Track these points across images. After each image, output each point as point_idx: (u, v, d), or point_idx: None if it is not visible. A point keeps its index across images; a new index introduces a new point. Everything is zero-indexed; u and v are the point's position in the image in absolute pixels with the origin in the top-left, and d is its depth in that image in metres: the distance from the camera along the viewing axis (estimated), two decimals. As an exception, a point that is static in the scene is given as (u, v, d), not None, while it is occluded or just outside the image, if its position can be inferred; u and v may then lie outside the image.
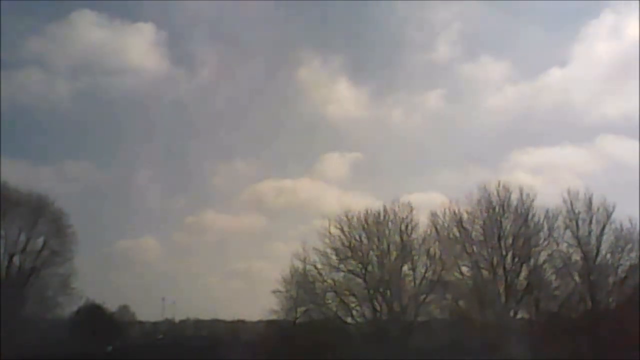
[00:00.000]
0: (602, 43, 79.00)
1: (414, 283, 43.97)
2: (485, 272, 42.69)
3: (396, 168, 76.56)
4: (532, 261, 42.39)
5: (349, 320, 44.89)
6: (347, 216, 44.62)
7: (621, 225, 41.47)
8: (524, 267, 42.35)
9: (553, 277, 42.85)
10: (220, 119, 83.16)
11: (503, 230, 42.57)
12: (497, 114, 74.98)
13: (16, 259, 46.75)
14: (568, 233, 42.25)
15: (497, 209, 42.81)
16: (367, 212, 45.11)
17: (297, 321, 45.94)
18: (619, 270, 41.72)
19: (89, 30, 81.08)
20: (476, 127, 75.39)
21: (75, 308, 51.72)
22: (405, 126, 75.63)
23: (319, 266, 44.67)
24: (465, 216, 43.45)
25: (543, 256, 42.67)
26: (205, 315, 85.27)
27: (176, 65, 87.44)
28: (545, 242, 42.52)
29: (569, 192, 42.50)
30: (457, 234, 43.41)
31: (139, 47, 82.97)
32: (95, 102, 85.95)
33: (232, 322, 78.96)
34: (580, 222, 42.00)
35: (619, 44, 77.56)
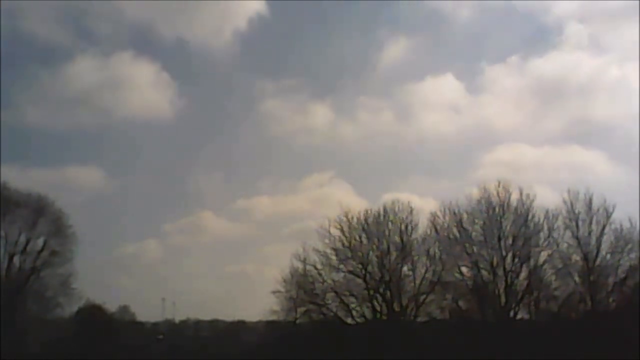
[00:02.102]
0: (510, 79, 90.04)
1: (414, 283, 43.97)
2: (485, 273, 42.69)
3: (366, 179, 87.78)
4: (532, 261, 42.39)
5: (349, 320, 44.86)
6: (347, 217, 44.65)
7: (621, 226, 41.54)
8: (524, 268, 42.36)
9: (553, 277, 42.86)
10: (210, 139, 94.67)
11: (503, 230, 42.56)
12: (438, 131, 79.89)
13: (16, 260, 46.83)
14: (568, 233, 42.31)
15: (497, 210, 42.82)
16: (367, 212, 45.22)
17: (297, 321, 45.91)
18: (619, 271, 41.70)
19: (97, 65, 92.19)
20: (419, 140, 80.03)
21: (75, 308, 51.76)
22: (365, 142, 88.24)
23: (319, 267, 44.70)
24: (465, 216, 43.49)
25: (543, 256, 42.72)
26: (205, 315, 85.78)
27: (176, 98, 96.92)
28: (545, 243, 42.58)
29: (569, 193, 42.59)
30: (457, 235, 43.41)
31: (143, 81, 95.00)
32: (105, 122, 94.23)
33: (232, 322, 79.10)
34: (580, 223, 42.03)
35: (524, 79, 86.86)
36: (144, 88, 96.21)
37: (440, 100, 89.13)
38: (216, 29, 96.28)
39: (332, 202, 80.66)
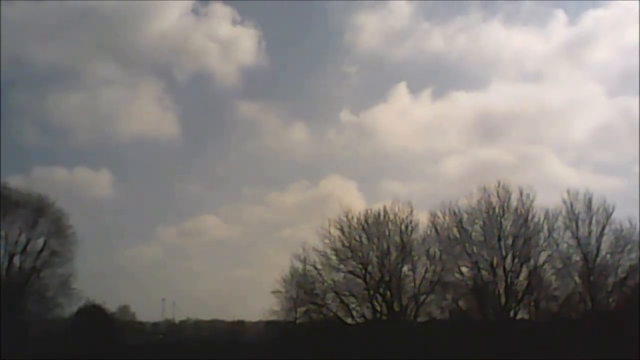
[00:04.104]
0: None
1: (414, 283, 43.96)
2: (485, 273, 42.72)
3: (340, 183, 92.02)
4: (532, 262, 42.44)
5: (349, 320, 44.87)
6: (347, 217, 44.65)
7: (621, 226, 41.62)
8: (524, 268, 42.40)
9: (553, 277, 42.93)
10: (209, 152, 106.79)
11: (503, 230, 42.60)
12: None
13: (16, 260, 46.86)
14: (568, 233, 42.36)
15: (497, 210, 42.86)
16: (367, 212, 45.23)
17: (297, 321, 45.92)
18: (619, 271, 41.76)
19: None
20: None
21: (75, 308, 51.73)
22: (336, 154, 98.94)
23: (319, 267, 44.71)
24: (465, 217, 43.57)
25: (543, 257, 42.78)
26: (205, 315, 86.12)
27: (180, 118, 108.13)
28: (545, 243, 42.62)
29: (568, 193, 42.64)
30: (457, 235, 43.43)
31: (146, 102, 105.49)
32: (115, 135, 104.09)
33: (232, 322, 79.23)
34: (580, 223, 42.07)
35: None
36: (149, 108, 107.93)
37: (396, 119, 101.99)
38: (219, 63, 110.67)
39: (317, 204, 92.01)
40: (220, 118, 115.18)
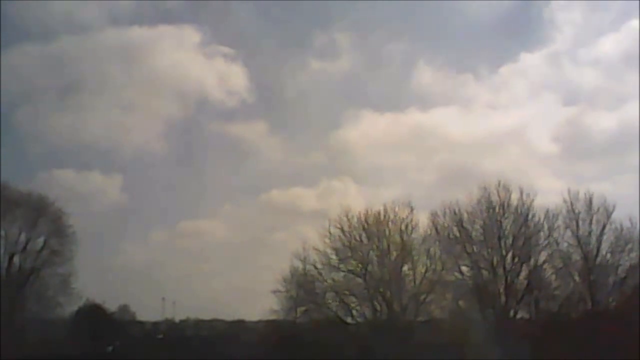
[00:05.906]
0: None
1: (414, 283, 43.95)
2: (485, 272, 42.75)
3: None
4: (532, 261, 42.45)
5: (349, 320, 44.86)
6: (347, 216, 44.65)
7: (621, 225, 41.63)
8: (524, 267, 42.41)
9: (553, 277, 42.94)
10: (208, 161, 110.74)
11: (503, 230, 42.63)
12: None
13: (16, 259, 46.81)
14: (568, 233, 42.41)
15: (497, 209, 42.87)
16: (367, 212, 45.18)
17: (297, 321, 45.95)
18: (619, 270, 41.77)
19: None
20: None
21: (75, 308, 51.80)
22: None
23: (319, 266, 44.70)
24: (465, 216, 43.57)
25: (543, 256, 42.83)
26: (205, 315, 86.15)
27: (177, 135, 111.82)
28: (545, 242, 42.68)
29: (569, 192, 42.67)
30: (457, 234, 43.46)
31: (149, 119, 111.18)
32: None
33: (232, 322, 79.28)
34: (580, 222, 42.12)
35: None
36: (153, 125, 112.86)
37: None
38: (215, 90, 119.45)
39: (303, 207, 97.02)
40: (216, 135, 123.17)
